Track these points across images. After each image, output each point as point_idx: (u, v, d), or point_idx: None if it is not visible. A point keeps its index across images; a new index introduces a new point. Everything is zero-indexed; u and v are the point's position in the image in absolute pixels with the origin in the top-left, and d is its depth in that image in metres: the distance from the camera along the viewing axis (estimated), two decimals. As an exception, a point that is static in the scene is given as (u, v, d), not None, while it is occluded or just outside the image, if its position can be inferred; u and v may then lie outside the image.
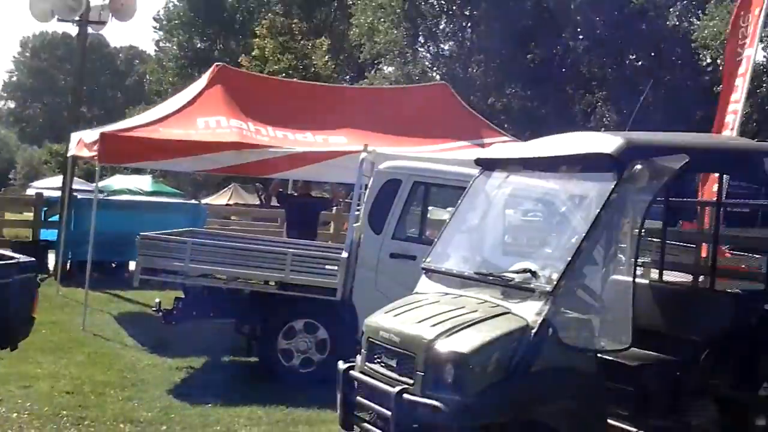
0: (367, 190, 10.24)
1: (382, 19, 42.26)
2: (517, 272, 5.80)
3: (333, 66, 33.84)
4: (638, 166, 5.48)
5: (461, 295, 6.11)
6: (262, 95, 14.10)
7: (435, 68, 45.99)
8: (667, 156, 5.53)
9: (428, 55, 46.77)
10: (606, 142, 5.68)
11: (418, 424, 5.44)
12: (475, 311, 5.73)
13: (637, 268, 5.58)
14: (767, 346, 5.84)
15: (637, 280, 6.68)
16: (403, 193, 10.05)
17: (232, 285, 10.49)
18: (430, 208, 10.45)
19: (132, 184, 26.95)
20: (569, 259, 5.46)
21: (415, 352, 5.62)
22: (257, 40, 30.91)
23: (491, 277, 5.98)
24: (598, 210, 5.50)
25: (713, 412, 5.96)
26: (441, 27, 45.66)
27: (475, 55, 43.41)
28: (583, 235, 5.48)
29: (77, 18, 17.10)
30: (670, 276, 7.16)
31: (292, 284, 10.03)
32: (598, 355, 5.60)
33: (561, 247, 5.67)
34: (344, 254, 10.01)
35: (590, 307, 5.62)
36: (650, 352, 6.46)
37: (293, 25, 32.04)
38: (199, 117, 13.07)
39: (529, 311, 5.48)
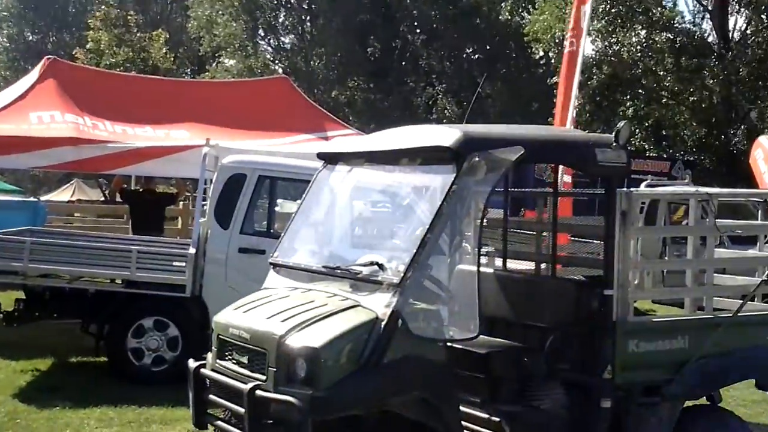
0: (212, 185, 10.15)
1: (220, 12, 41.86)
2: (364, 265, 5.84)
3: (172, 59, 33.32)
4: (476, 158, 5.60)
5: (310, 290, 6.11)
6: (98, 89, 13.71)
7: (277, 61, 45.84)
8: (504, 148, 5.67)
9: (269, 48, 46.59)
10: (445, 136, 5.76)
11: (273, 420, 5.42)
12: (325, 305, 5.74)
13: (482, 257, 5.69)
14: (606, 330, 6.06)
15: (483, 269, 6.91)
16: (248, 187, 10.03)
17: (76, 284, 10.22)
18: (279, 201, 10.44)
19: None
20: (415, 250, 5.51)
21: (266, 348, 5.59)
22: (91, 32, 30.08)
23: (339, 271, 6.01)
24: (440, 201, 5.57)
25: (561, 396, 6.14)
26: (280, 20, 45.52)
27: (316, 48, 43.45)
28: (427, 226, 5.56)
29: None
30: (517, 265, 7.38)
31: (138, 282, 9.85)
32: (448, 344, 5.71)
33: (406, 239, 5.73)
34: (191, 250, 9.89)
35: (437, 297, 5.70)
36: (500, 340, 6.64)
37: (128, 17, 31.35)
38: (32, 111, 12.59)
39: (379, 303, 5.53)
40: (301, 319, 5.62)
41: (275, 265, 6.60)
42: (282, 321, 5.66)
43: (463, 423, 6.16)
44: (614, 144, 6.00)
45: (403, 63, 44.62)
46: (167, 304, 9.87)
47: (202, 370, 6.09)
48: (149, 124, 13.02)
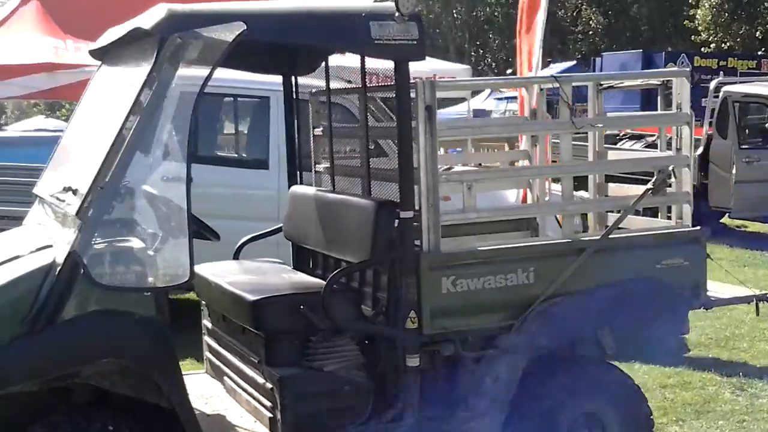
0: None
1: None
2: (63, 190, 4.52)
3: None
4: (179, 40, 4.23)
5: (42, 225, 4.87)
6: (88, 8, 12.51)
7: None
8: (218, 25, 4.21)
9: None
10: (148, 16, 4.38)
11: None
12: (25, 246, 4.50)
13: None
14: (406, 265, 4.55)
15: (306, 189, 5.50)
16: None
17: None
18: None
19: None
20: (98, 167, 4.18)
21: None
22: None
23: (51, 200, 4.73)
24: (133, 99, 4.21)
25: (353, 354, 4.67)
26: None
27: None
28: (115, 134, 4.19)
29: None
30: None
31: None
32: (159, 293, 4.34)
33: (96, 154, 4.33)
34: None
35: (132, 231, 4.35)
36: (303, 279, 5.23)
37: None
38: (9, 36, 11.76)
39: (63, 243, 4.23)
40: None
41: (36, 196, 5.33)
42: None
43: (242, 388, 4.86)
44: (397, 14, 4.41)
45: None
46: None
47: None
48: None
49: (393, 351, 4.61)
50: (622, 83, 5.71)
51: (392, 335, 4.60)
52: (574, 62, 33.13)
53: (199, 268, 5.31)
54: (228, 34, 4.17)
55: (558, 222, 7.02)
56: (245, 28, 4.15)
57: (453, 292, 4.63)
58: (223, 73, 6.91)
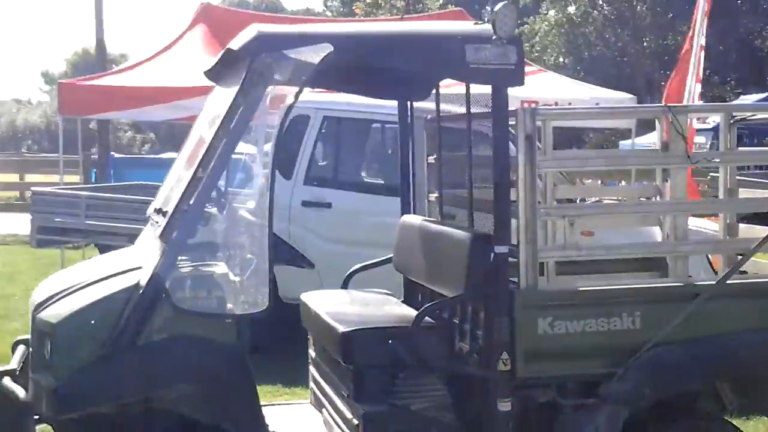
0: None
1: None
2: (156, 212, 4.52)
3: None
4: (267, 61, 4.16)
5: (142, 246, 4.88)
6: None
7: (597, 7, 43.41)
8: (306, 47, 4.12)
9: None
10: (239, 38, 4.35)
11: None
12: (119, 268, 4.51)
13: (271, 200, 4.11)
14: (500, 303, 4.30)
15: (413, 218, 5.31)
16: (312, 130, 8.77)
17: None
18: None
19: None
20: (184, 188, 4.15)
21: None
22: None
23: (150, 221, 4.74)
24: (221, 120, 4.17)
25: (441, 393, 4.46)
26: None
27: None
28: (201, 155, 4.15)
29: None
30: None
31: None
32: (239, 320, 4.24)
33: (187, 175, 4.29)
34: (250, 204, 8.79)
35: (214, 256, 4.29)
36: (403, 312, 5.05)
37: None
38: (175, 61, 12.15)
39: (149, 265, 4.21)
40: (66, 285, 4.44)
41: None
42: (54, 287, 4.51)
43: (335, 421, 4.72)
44: (495, 37, 4.19)
45: (739, 1, 40.46)
46: None
47: None
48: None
49: (484, 393, 4.36)
50: (754, 115, 5.25)
51: (483, 376, 4.35)
52: (769, 94, 31.48)
53: (304, 296, 5.24)
54: (315, 55, 4.07)
55: (710, 263, 6.60)
56: (332, 49, 4.04)
57: (550, 333, 4.34)
58: (369, 100, 6.94)
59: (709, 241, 4.98)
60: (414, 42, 4.36)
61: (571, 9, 41.25)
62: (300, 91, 4.15)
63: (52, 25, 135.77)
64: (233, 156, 4.26)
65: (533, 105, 8.55)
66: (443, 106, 5.38)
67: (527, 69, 13.31)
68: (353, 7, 29.77)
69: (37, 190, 9.56)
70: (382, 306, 5.17)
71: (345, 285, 5.61)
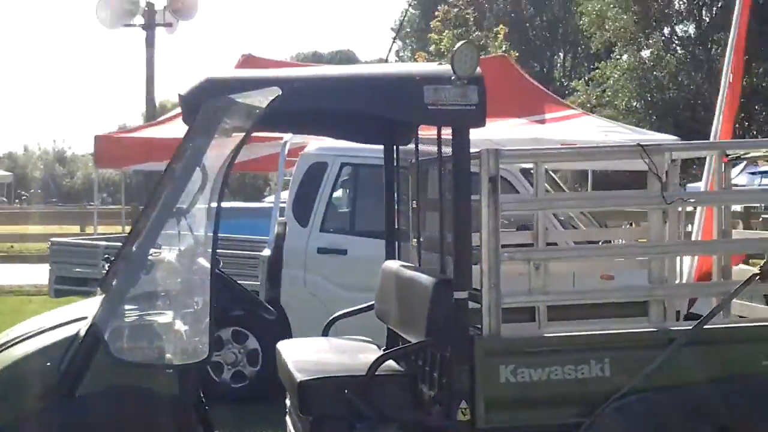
0: (291, 177, 8.92)
1: (611, 5, 39.97)
2: (105, 260, 4.44)
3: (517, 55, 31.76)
4: (213, 106, 4.07)
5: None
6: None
7: (670, 51, 42.91)
8: (253, 91, 4.02)
9: (662, 37, 43.75)
10: (189, 84, 4.27)
11: None
12: (66, 317, 4.45)
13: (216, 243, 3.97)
14: (461, 350, 4.11)
15: (391, 263, 5.12)
16: (329, 177, 8.65)
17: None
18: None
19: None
20: (128, 236, 4.07)
21: None
22: (433, 35, 29.40)
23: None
24: (171, 164, 4.08)
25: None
26: (675, 7, 42.53)
27: (714, 33, 40.08)
28: (144, 204, 4.07)
29: (142, 22, 16.70)
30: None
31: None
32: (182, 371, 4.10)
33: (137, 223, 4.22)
34: (266, 252, 8.70)
35: (156, 305, 4.18)
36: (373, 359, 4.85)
37: (467, 15, 30.23)
38: None
39: (91, 315, 4.11)
40: (20, 333, 4.37)
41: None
42: (7, 336, 4.45)
43: None
44: (454, 77, 4.03)
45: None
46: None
47: None
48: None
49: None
50: (748, 153, 4.98)
51: (440, 427, 4.14)
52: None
53: (280, 345, 5.10)
54: (263, 99, 3.97)
55: None
56: (280, 93, 3.93)
57: (513, 382, 4.14)
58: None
59: (689, 285, 4.69)
60: (369, 84, 4.22)
61: (645, 53, 40.86)
62: (245, 138, 4.03)
63: (130, 79, 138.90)
64: (175, 204, 4.13)
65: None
66: (429, 149, 5.23)
67: (570, 112, 13.27)
68: (415, 57, 29.86)
69: (55, 240, 9.53)
70: (357, 354, 5.00)
71: (326, 332, 5.45)
